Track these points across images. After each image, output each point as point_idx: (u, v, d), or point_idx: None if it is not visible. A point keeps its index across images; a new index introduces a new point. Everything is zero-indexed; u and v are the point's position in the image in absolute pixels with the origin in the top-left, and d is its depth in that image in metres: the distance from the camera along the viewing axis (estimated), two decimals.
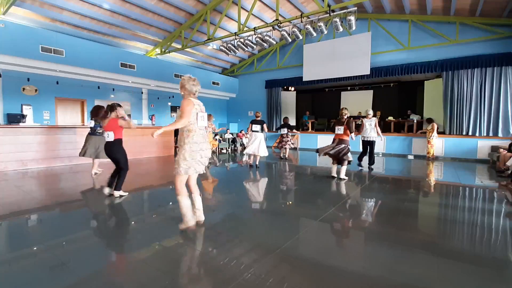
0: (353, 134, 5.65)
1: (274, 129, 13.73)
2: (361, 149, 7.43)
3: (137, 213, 3.73)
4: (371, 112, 7.24)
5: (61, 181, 5.56)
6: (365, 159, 7.35)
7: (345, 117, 5.72)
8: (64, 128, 7.42)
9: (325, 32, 8.59)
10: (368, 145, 7.19)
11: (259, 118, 7.28)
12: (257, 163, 7.18)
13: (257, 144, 7.02)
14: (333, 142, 5.81)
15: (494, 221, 3.44)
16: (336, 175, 5.76)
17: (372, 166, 7.14)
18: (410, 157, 10.00)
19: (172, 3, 9.37)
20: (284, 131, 8.93)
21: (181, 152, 2.87)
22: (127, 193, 4.28)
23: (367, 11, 10.50)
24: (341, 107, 5.98)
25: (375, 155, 7.37)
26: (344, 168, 5.65)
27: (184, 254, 2.51)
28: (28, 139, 6.61)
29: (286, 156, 9.03)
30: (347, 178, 5.69)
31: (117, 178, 4.16)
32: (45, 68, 8.34)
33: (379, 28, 10.63)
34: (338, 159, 5.67)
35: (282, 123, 9.21)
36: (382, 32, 10.63)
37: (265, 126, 7.22)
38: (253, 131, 7.16)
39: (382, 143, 10.59)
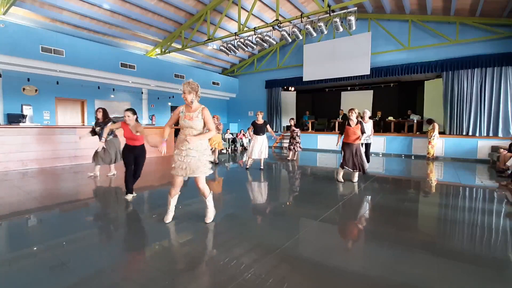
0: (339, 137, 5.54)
1: (279, 130, 13.80)
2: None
3: (137, 213, 3.73)
4: (368, 115, 6.99)
5: (61, 181, 5.56)
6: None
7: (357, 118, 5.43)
8: (64, 128, 7.42)
9: (325, 32, 8.59)
10: (365, 147, 7.08)
11: (260, 122, 6.76)
12: (261, 166, 6.98)
13: (258, 148, 6.76)
14: (352, 150, 5.37)
15: (494, 221, 3.44)
16: (342, 180, 5.57)
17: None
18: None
19: (172, 3, 9.37)
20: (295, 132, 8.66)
21: (206, 154, 3.06)
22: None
23: (367, 11, 10.50)
24: (349, 108, 5.48)
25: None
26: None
27: (184, 254, 2.51)
28: (28, 139, 6.61)
29: (294, 157, 8.88)
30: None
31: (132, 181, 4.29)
32: (45, 68, 8.34)
33: (379, 28, 10.62)
34: (360, 166, 5.41)
35: (290, 124, 8.88)
36: (382, 32, 10.63)
37: (268, 127, 6.82)
38: (255, 134, 6.80)
39: (382, 143, 10.62)
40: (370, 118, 7.27)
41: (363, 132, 5.36)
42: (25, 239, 2.78)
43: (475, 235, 3.04)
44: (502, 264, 2.38)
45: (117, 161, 5.74)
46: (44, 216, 3.61)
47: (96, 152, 5.60)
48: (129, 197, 4.17)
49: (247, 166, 7.06)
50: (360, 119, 5.53)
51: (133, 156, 4.15)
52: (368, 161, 7.14)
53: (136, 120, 4.15)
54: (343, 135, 5.52)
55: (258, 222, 3.46)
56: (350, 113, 5.38)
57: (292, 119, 8.96)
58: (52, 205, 3.99)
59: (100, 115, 5.53)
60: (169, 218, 3.22)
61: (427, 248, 2.65)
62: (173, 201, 3.23)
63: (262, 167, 6.98)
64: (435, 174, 6.90)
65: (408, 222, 3.51)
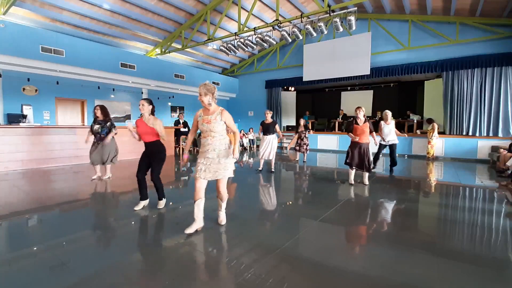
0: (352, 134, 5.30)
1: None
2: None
3: (137, 213, 3.72)
4: (390, 116, 6.65)
5: (61, 181, 5.56)
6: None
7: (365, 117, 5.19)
8: (64, 128, 7.42)
9: (325, 32, 8.58)
10: (390, 148, 6.78)
11: (268, 121, 6.52)
12: (272, 168, 6.72)
13: (265, 148, 6.53)
14: (359, 149, 5.17)
15: (494, 221, 3.44)
16: (353, 182, 5.33)
17: (394, 168, 6.92)
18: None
19: (172, 3, 9.37)
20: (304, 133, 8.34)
21: (224, 156, 2.90)
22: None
23: (367, 11, 10.50)
24: (357, 106, 5.23)
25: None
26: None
27: (184, 254, 2.51)
28: (28, 139, 6.61)
29: (298, 158, 8.58)
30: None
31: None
32: (45, 68, 8.34)
33: (379, 28, 10.63)
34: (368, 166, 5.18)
35: (299, 123, 8.50)
36: (382, 32, 10.63)
37: (276, 127, 6.56)
38: (264, 134, 6.57)
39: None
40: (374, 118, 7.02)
41: (371, 131, 5.15)
42: (25, 239, 2.78)
43: (475, 235, 3.04)
44: (502, 264, 2.38)
45: (108, 163, 5.53)
46: (44, 216, 3.61)
47: (91, 152, 5.42)
48: (139, 206, 3.68)
49: (272, 170, 6.72)
50: (366, 118, 5.23)
51: (147, 156, 3.61)
52: (395, 163, 6.85)
53: (153, 112, 3.69)
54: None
55: (258, 222, 3.46)
56: (357, 111, 5.15)
57: (302, 119, 8.64)
58: (52, 205, 3.99)
59: (98, 113, 5.29)
60: (192, 228, 2.86)
61: (427, 248, 2.65)
62: (197, 208, 2.90)
63: (272, 170, 6.70)
64: (435, 174, 6.90)
65: (408, 222, 3.51)
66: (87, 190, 4.89)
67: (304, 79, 12.42)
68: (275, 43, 9.46)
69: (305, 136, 8.37)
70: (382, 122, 6.75)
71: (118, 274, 2.14)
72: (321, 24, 8.28)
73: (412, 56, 10.26)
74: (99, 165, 5.55)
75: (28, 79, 8.44)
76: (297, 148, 8.44)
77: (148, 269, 2.23)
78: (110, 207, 4.10)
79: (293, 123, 14.34)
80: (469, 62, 9.18)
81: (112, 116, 5.70)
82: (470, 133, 9.29)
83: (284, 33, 9.15)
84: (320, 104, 15.25)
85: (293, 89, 14.52)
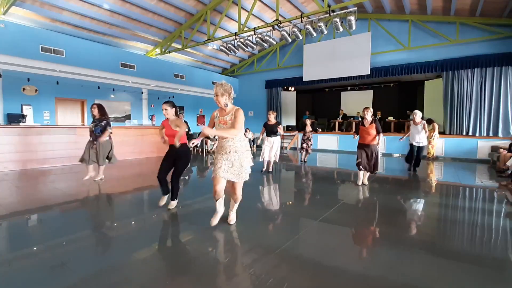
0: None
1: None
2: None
3: (137, 213, 3.72)
4: (419, 116, 6.58)
5: (61, 181, 5.56)
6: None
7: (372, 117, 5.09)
8: (64, 128, 7.42)
9: (325, 32, 8.58)
10: (418, 149, 6.75)
11: (272, 122, 6.36)
12: (270, 169, 6.54)
13: (269, 150, 6.40)
14: (366, 150, 5.09)
15: (494, 221, 3.44)
16: (360, 183, 5.24)
17: (417, 169, 6.88)
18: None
19: (172, 3, 9.37)
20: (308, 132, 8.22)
21: (246, 159, 2.88)
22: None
23: (367, 11, 10.50)
24: (364, 107, 5.16)
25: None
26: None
27: (184, 254, 2.51)
28: (28, 139, 6.61)
29: (305, 159, 8.42)
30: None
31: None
32: (45, 68, 8.34)
33: (379, 28, 10.63)
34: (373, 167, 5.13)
35: (305, 123, 8.36)
36: (382, 32, 10.63)
37: (280, 128, 6.36)
38: (267, 136, 6.41)
39: (382, 143, 10.59)
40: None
41: (379, 132, 4.97)
42: (25, 239, 2.78)
43: (475, 235, 3.04)
44: (502, 264, 2.38)
45: (102, 163, 5.24)
46: (44, 216, 3.61)
47: (84, 151, 5.21)
48: (163, 201, 3.70)
49: (270, 170, 6.55)
50: (374, 119, 5.12)
51: (173, 158, 3.61)
52: (418, 165, 6.83)
53: (176, 114, 3.70)
54: (359, 136, 5.22)
55: (258, 222, 3.46)
56: (365, 112, 5.03)
57: (308, 119, 8.56)
58: (52, 205, 3.99)
59: (95, 111, 5.18)
60: (214, 221, 3.04)
61: (427, 248, 2.65)
62: (218, 204, 3.06)
63: (270, 170, 6.56)
64: (435, 174, 6.90)
65: (408, 222, 3.51)
66: (87, 191, 4.88)
67: (304, 79, 12.42)
68: (275, 43, 9.46)
69: (311, 136, 8.32)
70: (411, 122, 6.79)
71: (118, 274, 2.14)
72: (321, 24, 8.28)
73: (412, 56, 10.26)
74: (92, 165, 5.25)
75: (28, 79, 8.44)
76: (305, 147, 8.26)
77: (148, 269, 2.23)
78: (109, 208, 4.10)
79: (293, 123, 14.35)
80: (469, 62, 9.19)
81: (112, 116, 5.55)
82: (470, 133, 9.29)
83: (284, 33, 9.15)
84: (320, 104, 15.26)
85: (293, 89, 14.53)
